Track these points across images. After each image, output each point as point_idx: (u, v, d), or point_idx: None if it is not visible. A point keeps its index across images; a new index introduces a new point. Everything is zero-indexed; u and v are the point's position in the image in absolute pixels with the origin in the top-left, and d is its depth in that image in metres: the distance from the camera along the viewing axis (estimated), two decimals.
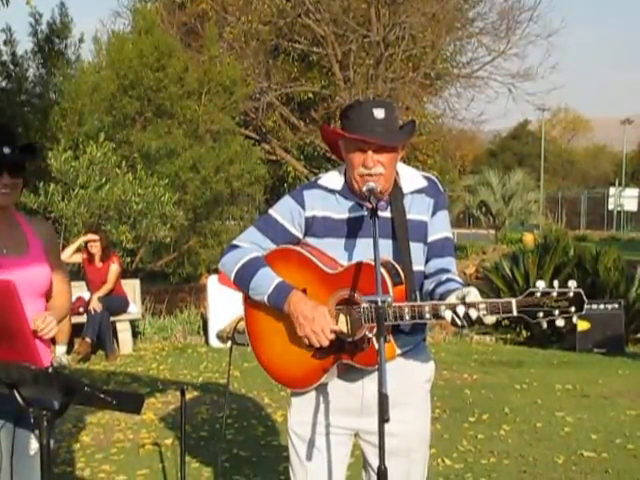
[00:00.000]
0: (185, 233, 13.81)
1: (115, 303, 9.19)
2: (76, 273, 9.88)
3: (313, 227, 2.74)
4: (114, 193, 11.30)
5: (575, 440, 5.88)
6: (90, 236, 9.19)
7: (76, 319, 8.93)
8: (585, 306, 2.34)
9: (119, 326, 9.38)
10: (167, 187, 12.14)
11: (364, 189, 2.60)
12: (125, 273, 10.52)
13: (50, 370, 2.51)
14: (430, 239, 2.76)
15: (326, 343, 2.57)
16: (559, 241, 11.20)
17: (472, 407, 6.82)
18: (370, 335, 2.51)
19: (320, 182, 2.79)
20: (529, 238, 18.06)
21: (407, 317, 2.48)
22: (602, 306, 9.45)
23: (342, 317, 2.61)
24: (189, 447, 5.25)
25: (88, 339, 8.81)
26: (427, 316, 2.47)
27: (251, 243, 2.79)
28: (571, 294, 2.34)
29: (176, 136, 13.26)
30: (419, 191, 2.76)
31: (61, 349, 8.61)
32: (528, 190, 25.35)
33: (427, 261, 2.77)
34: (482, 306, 2.39)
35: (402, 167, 2.79)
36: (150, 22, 13.99)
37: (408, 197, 2.74)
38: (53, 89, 13.47)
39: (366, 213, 2.64)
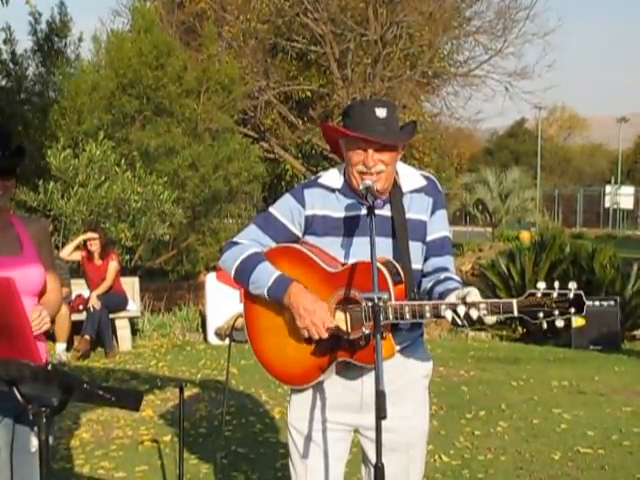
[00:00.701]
0: (184, 231, 13.80)
1: (114, 301, 9.21)
2: (76, 271, 9.91)
3: (313, 226, 2.75)
4: (113, 191, 11.32)
5: (571, 436, 5.91)
6: (89, 234, 9.23)
7: (75, 317, 8.98)
8: (585, 308, 2.35)
9: (118, 323, 9.40)
10: (166, 185, 12.16)
11: (361, 187, 2.62)
12: (124, 271, 10.54)
13: (49, 367, 2.53)
14: (429, 238, 2.78)
15: (325, 335, 2.58)
16: (555, 239, 11.20)
17: (469, 404, 6.85)
18: (367, 332, 2.52)
19: (320, 181, 2.80)
20: (525, 236, 18.04)
21: (408, 316, 2.50)
22: (598, 303, 9.44)
23: (342, 315, 2.62)
24: (188, 444, 5.29)
25: (87, 336, 8.83)
26: (428, 315, 2.49)
27: (251, 240, 2.80)
28: (571, 295, 2.35)
29: (175, 134, 13.25)
30: (418, 190, 2.78)
31: (61, 347, 8.67)
32: (525, 188, 25.31)
33: (425, 259, 2.78)
34: (483, 306, 2.41)
35: (401, 166, 2.80)
36: (149, 21, 13.97)
37: (407, 196, 2.76)
38: (52, 88, 13.50)
39: (365, 212, 2.66)
